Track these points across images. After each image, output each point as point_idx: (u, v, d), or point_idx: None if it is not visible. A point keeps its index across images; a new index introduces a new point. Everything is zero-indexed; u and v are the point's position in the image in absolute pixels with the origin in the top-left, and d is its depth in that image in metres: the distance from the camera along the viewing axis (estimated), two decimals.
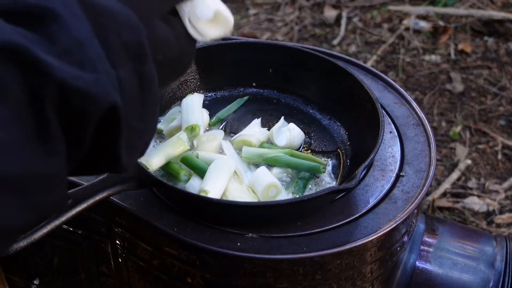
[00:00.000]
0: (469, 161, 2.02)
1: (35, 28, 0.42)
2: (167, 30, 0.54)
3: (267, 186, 0.86)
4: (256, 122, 1.03)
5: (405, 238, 0.89)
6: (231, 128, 1.05)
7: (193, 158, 0.90)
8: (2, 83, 0.38)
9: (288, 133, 0.98)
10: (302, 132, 1.00)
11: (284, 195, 0.87)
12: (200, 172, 0.88)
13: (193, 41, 0.59)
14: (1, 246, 0.40)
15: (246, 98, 1.11)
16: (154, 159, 0.88)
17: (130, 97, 0.46)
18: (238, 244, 0.78)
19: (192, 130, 0.96)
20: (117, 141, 0.46)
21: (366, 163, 0.81)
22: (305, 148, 1.00)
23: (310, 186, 0.91)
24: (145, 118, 0.49)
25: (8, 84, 0.39)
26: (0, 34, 0.39)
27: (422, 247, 0.96)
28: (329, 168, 0.95)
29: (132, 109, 0.47)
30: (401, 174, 0.91)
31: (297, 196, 0.88)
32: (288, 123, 1.02)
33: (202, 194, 0.82)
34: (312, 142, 1.02)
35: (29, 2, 0.43)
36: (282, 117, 1.03)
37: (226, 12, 0.59)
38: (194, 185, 0.87)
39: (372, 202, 0.86)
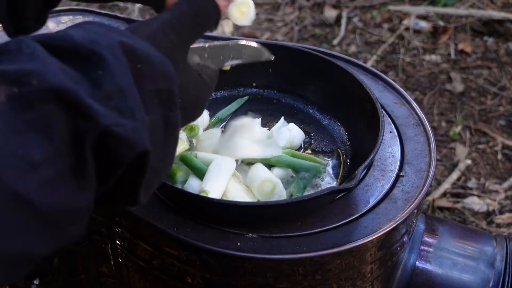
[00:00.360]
0: (469, 161, 2.02)
1: (81, 68, 0.45)
2: (188, 75, 0.59)
3: (261, 181, 0.86)
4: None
5: (405, 238, 0.89)
6: None
7: (192, 158, 0.90)
8: (49, 122, 0.41)
9: (288, 133, 0.98)
10: (302, 132, 1.00)
11: (282, 190, 0.87)
12: (199, 172, 0.88)
13: (208, 87, 0.64)
14: (22, 272, 0.43)
15: (246, 98, 1.11)
16: None
17: (155, 140, 0.50)
18: (238, 244, 0.78)
19: (191, 130, 0.96)
20: (140, 181, 0.50)
21: (366, 163, 0.81)
22: (305, 148, 1.00)
23: (310, 186, 0.92)
24: (165, 159, 0.53)
25: (54, 123, 0.41)
26: (52, 76, 0.42)
27: (422, 247, 0.96)
28: (329, 168, 0.95)
29: (156, 151, 0.50)
30: (401, 174, 0.91)
31: (297, 196, 0.88)
32: (288, 123, 1.02)
33: (203, 194, 0.82)
34: (312, 142, 1.02)
35: (75, 41, 0.46)
36: (282, 117, 1.03)
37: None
38: (192, 185, 0.87)
39: (372, 202, 0.86)
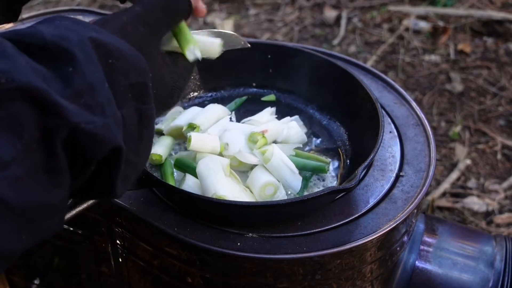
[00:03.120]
0: (468, 161, 2.02)
1: (52, 65, 0.45)
2: (162, 66, 0.59)
3: (263, 185, 0.86)
4: (268, 111, 1.03)
5: (405, 238, 0.89)
6: None
7: (185, 160, 0.90)
8: (19, 120, 0.41)
9: (286, 130, 0.98)
10: (301, 132, 1.00)
11: (283, 193, 0.87)
12: (194, 172, 0.88)
13: (183, 77, 0.64)
14: (0, 267, 0.42)
15: (244, 98, 1.11)
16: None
17: (129, 134, 0.50)
18: (238, 244, 0.79)
19: (192, 127, 0.96)
20: (115, 175, 0.50)
21: (366, 163, 0.81)
22: (306, 148, 1.00)
23: (310, 186, 0.92)
24: (140, 152, 0.53)
25: (24, 121, 0.41)
26: (21, 74, 0.42)
27: (422, 247, 0.96)
28: (330, 167, 0.95)
29: (130, 144, 0.50)
30: (401, 174, 0.91)
31: (297, 196, 0.88)
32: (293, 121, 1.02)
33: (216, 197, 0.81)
34: (312, 142, 1.02)
35: (45, 38, 0.46)
36: (297, 116, 1.03)
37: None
38: (190, 185, 0.87)
39: (372, 202, 0.86)
